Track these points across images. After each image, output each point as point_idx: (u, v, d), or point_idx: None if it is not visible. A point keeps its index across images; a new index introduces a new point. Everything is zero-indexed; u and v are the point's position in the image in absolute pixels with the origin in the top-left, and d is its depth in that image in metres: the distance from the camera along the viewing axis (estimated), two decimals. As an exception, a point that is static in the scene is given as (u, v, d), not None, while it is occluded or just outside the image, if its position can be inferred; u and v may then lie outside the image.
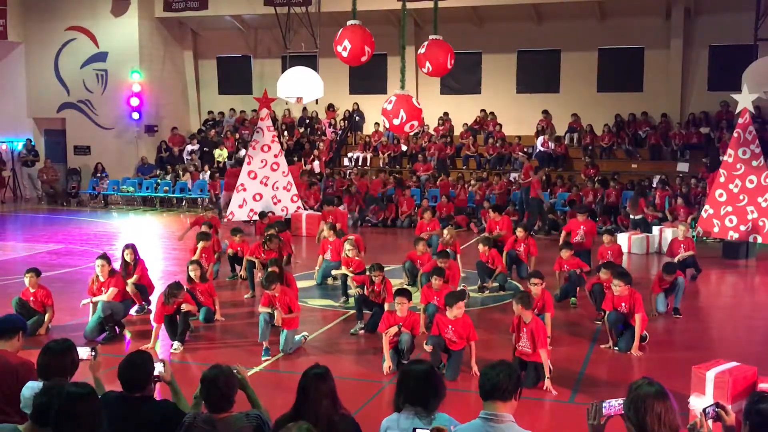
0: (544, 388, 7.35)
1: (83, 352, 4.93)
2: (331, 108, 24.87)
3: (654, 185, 19.15)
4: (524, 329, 7.61)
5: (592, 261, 12.30)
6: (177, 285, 8.93)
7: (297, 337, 8.90)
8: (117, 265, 10.28)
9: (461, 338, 7.84)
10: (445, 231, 12.76)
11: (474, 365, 7.82)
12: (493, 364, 3.94)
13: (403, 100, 10.77)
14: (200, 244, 11.74)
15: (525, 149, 22.01)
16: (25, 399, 4.63)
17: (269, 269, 9.81)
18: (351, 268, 10.90)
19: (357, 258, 11.09)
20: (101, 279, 9.41)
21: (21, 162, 24.88)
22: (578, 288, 11.12)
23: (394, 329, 8.05)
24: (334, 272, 11.67)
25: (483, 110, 23.61)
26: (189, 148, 24.19)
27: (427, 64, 11.53)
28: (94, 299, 9.33)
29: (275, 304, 8.64)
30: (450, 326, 7.82)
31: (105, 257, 9.55)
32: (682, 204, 17.38)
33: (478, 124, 23.43)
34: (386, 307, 9.24)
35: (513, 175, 20.62)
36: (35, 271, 9.47)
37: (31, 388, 4.59)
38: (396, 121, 10.74)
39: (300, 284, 11.43)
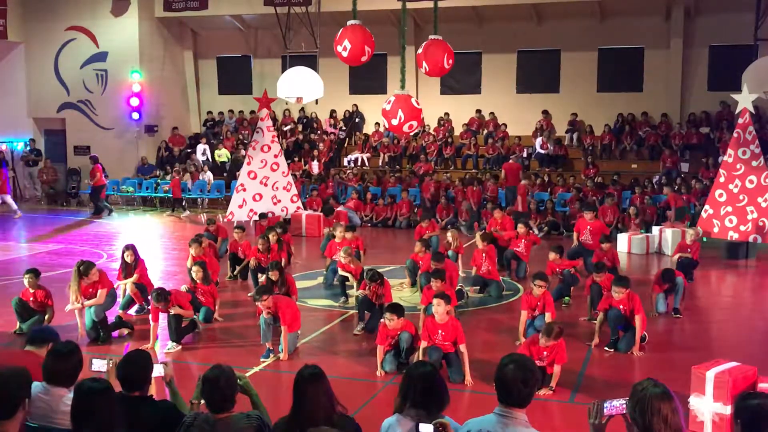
0: (542, 393, 7.31)
1: (100, 364, 4.91)
2: (332, 114, 24.78)
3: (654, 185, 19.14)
4: (544, 352, 7.46)
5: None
6: (162, 291, 8.86)
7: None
8: (116, 265, 10.26)
9: (451, 343, 7.76)
10: (449, 235, 12.70)
11: (467, 374, 7.62)
12: (513, 373, 3.74)
13: (402, 101, 10.73)
14: (192, 250, 11.45)
15: (525, 149, 21.99)
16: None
17: (269, 272, 9.84)
18: (351, 273, 10.89)
19: (352, 266, 11.01)
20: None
21: (23, 161, 24.83)
22: (572, 287, 11.13)
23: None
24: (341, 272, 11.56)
25: (479, 110, 23.60)
26: (201, 147, 24.13)
27: (425, 64, 11.53)
28: (86, 303, 9.13)
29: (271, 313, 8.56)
30: (440, 330, 7.79)
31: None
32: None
33: (473, 124, 23.38)
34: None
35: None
36: (34, 272, 9.45)
37: (34, 388, 4.58)
38: (395, 122, 10.71)
39: (300, 284, 11.42)
